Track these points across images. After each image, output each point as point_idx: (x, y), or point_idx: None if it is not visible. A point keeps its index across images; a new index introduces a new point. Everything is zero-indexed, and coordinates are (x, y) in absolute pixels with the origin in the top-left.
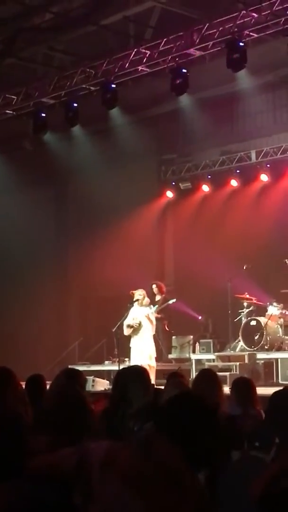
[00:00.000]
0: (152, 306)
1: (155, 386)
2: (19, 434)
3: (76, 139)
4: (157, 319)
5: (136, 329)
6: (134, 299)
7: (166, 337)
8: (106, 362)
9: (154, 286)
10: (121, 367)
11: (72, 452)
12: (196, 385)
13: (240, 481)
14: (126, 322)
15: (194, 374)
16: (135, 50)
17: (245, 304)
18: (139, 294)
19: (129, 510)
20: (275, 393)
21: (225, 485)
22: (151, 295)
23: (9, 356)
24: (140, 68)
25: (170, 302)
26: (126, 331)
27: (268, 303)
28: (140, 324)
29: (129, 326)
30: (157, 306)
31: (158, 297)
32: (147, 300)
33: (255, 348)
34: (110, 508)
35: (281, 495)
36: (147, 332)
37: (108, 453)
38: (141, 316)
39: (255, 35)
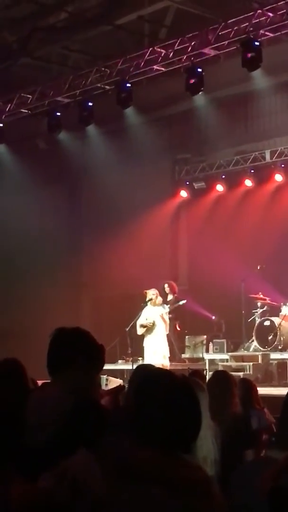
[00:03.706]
0: (165, 305)
1: None
2: None
3: (91, 138)
4: (169, 319)
5: (149, 328)
6: (147, 299)
7: (178, 336)
8: (120, 361)
9: (166, 285)
10: (135, 366)
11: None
12: (210, 387)
13: (254, 481)
14: (139, 322)
15: (208, 374)
16: (150, 49)
17: (259, 304)
18: (152, 293)
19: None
20: None
21: (238, 484)
22: (163, 295)
23: (22, 354)
24: (155, 67)
25: (181, 303)
26: (140, 331)
27: (282, 303)
28: (153, 323)
29: (142, 325)
30: (169, 305)
31: (170, 297)
32: (160, 299)
33: (268, 348)
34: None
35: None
36: (161, 332)
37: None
38: (155, 315)
39: (271, 35)
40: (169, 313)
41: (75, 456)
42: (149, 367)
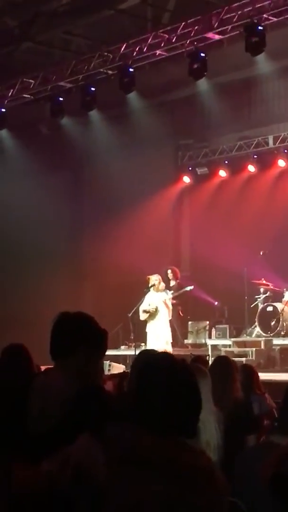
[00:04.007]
0: (168, 291)
1: None
2: None
3: (93, 123)
4: (172, 304)
5: (152, 314)
6: (150, 285)
7: (181, 322)
8: (122, 347)
9: (169, 271)
10: (137, 352)
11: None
12: (212, 372)
13: (256, 466)
14: (142, 308)
15: (210, 359)
16: (153, 34)
17: (261, 289)
18: (154, 279)
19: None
20: None
21: (241, 469)
22: (166, 280)
23: (24, 341)
24: (158, 52)
25: (188, 289)
26: (142, 316)
27: (284, 289)
28: (156, 309)
29: (145, 311)
30: (173, 291)
31: (173, 283)
32: (162, 285)
33: (271, 334)
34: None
35: None
36: (164, 317)
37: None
38: (158, 301)
39: (274, 19)
40: (173, 298)
41: (78, 442)
42: (152, 352)
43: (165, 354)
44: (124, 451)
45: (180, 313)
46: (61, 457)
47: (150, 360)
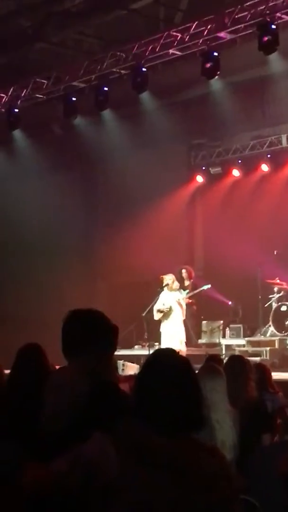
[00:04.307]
0: (182, 290)
1: None
2: None
3: (106, 123)
4: (187, 304)
5: (166, 314)
6: (164, 284)
7: (195, 322)
8: (136, 346)
9: (183, 270)
10: (151, 351)
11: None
12: (226, 371)
13: (272, 464)
14: (156, 307)
15: (224, 359)
16: (165, 33)
17: (275, 289)
18: (168, 278)
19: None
20: None
21: (256, 467)
22: (180, 280)
23: (39, 341)
24: (170, 51)
25: (205, 287)
26: (156, 316)
27: None
28: (170, 308)
29: (159, 311)
30: (187, 291)
31: (187, 282)
32: (177, 284)
33: (285, 333)
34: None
35: None
36: (178, 317)
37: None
38: (172, 301)
39: (287, 18)
40: (190, 298)
41: (90, 441)
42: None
43: (165, 349)
44: (136, 449)
45: (194, 307)
46: (73, 455)
47: (151, 356)
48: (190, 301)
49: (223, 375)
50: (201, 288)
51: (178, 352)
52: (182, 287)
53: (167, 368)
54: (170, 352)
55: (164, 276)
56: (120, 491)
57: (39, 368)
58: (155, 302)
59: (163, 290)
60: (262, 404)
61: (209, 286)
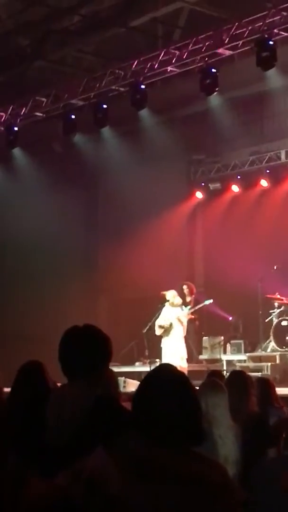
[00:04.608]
0: (184, 307)
1: None
2: None
3: (106, 140)
4: (190, 320)
5: (166, 329)
6: (166, 300)
7: (197, 338)
8: (137, 363)
9: (184, 286)
10: (152, 368)
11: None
12: (227, 386)
13: (275, 479)
14: (157, 322)
15: (225, 375)
16: (164, 50)
17: (276, 304)
18: (171, 294)
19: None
20: None
21: (259, 483)
22: (182, 296)
23: (43, 358)
24: (169, 68)
25: (207, 302)
26: (158, 331)
27: None
28: (171, 325)
29: (160, 326)
30: (189, 307)
31: (188, 298)
32: (178, 300)
33: (286, 349)
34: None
35: None
36: (178, 333)
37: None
38: (172, 317)
39: (285, 34)
40: (192, 313)
41: (92, 455)
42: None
43: (163, 364)
44: (137, 464)
45: (197, 322)
46: (75, 470)
47: (149, 372)
48: (193, 316)
49: (224, 390)
50: (203, 303)
51: (178, 368)
52: (184, 303)
53: (165, 383)
54: (168, 368)
55: (165, 292)
56: (123, 506)
57: (41, 385)
58: (156, 318)
59: (164, 305)
60: (264, 418)
61: (211, 301)
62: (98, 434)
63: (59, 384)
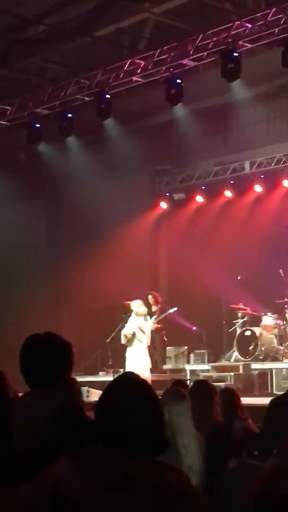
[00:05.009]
0: (148, 317)
1: None
2: None
3: (71, 149)
4: (156, 329)
5: (130, 339)
6: (131, 309)
7: (162, 348)
8: (101, 373)
9: (150, 296)
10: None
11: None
12: (191, 396)
13: (237, 489)
14: (123, 331)
15: (189, 384)
16: (129, 60)
17: (239, 314)
18: (136, 304)
19: None
20: (273, 401)
21: (222, 492)
22: (147, 306)
23: (6, 368)
24: (134, 78)
25: (171, 311)
26: (123, 340)
27: (262, 313)
28: (134, 334)
29: (124, 335)
30: (155, 316)
31: (154, 308)
32: (142, 310)
33: (249, 358)
34: None
35: (276, 494)
36: (140, 343)
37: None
38: (134, 326)
39: (249, 45)
40: (158, 323)
41: (55, 464)
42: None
43: (125, 373)
44: (101, 472)
45: (165, 338)
46: (39, 479)
47: (111, 381)
48: (159, 326)
49: (187, 399)
50: (168, 312)
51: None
52: (150, 312)
53: (127, 391)
54: (131, 376)
55: (129, 302)
56: None
57: (1, 394)
58: (121, 328)
59: (128, 315)
60: (228, 428)
61: (175, 309)
62: (62, 443)
63: (20, 394)
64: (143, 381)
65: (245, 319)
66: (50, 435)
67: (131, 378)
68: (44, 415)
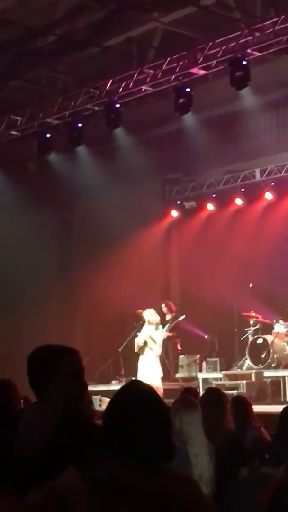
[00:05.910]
0: (161, 326)
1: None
2: None
3: (81, 159)
4: (169, 338)
5: (141, 348)
6: (143, 318)
7: (174, 356)
8: (113, 382)
9: (163, 305)
10: None
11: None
12: (202, 404)
13: (249, 497)
14: (136, 340)
15: (201, 393)
16: (138, 70)
17: (251, 322)
18: (148, 313)
19: None
20: (286, 409)
21: (233, 502)
22: (161, 315)
23: (16, 378)
24: (143, 88)
25: (180, 319)
26: (136, 348)
27: (274, 321)
28: (145, 343)
29: (136, 344)
30: (168, 325)
31: (168, 316)
32: (155, 318)
33: (262, 366)
34: None
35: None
36: (151, 352)
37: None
38: (146, 335)
39: (258, 54)
40: (170, 331)
41: (63, 474)
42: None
43: (133, 381)
44: (109, 483)
45: (179, 346)
46: (45, 490)
47: (118, 390)
48: (171, 334)
49: (198, 408)
50: (176, 320)
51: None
52: (163, 321)
53: (134, 399)
54: (138, 384)
55: (141, 311)
56: None
57: (10, 404)
58: (133, 336)
59: (140, 324)
60: (240, 437)
61: (183, 316)
62: (70, 453)
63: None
64: (149, 389)
65: (257, 326)
66: (58, 444)
67: (138, 386)
68: (49, 424)
